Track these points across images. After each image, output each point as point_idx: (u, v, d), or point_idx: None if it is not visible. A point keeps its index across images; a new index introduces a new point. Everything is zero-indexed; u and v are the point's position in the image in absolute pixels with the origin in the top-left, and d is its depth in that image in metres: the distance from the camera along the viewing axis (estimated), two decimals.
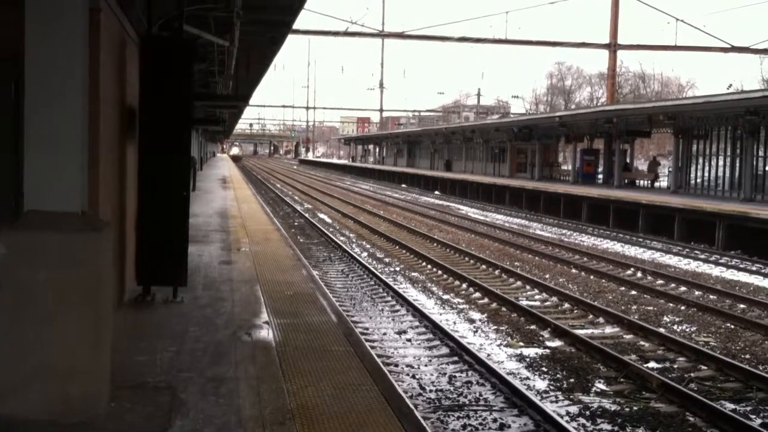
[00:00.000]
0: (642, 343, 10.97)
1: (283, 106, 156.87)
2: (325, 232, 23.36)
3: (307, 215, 29.15)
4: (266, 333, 7.55)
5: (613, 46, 49.29)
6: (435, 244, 21.28)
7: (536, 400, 8.04)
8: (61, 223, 5.09)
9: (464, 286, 14.87)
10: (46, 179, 5.16)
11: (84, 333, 5.05)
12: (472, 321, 12.16)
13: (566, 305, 13.37)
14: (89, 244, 5.14)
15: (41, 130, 5.15)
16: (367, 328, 11.28)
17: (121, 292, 8.57)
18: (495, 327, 11.76)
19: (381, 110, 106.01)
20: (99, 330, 5.14)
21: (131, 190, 9.20)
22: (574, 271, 17.29)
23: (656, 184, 40.27)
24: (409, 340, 10.85)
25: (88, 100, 5.52)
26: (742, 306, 13.67)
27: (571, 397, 8.54)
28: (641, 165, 53.90)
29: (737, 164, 29.81)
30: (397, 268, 17.16)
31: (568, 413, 7.95)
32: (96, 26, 6.71)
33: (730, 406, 8.33)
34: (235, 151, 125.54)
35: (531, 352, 10.37)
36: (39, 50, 5.13)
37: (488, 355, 10.09)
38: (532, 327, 11.64)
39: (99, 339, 5.14)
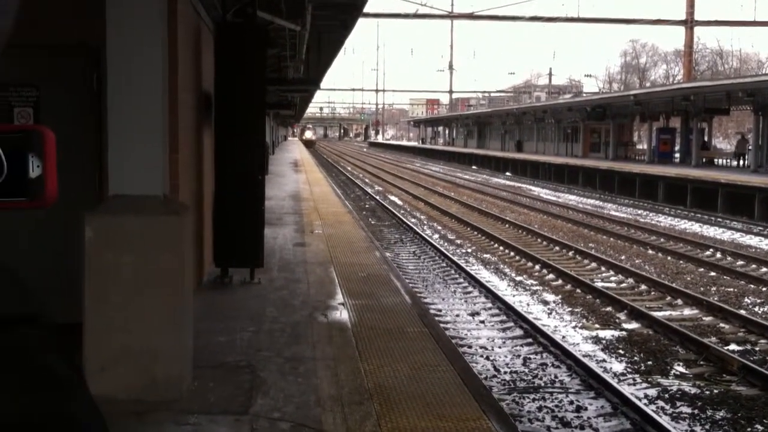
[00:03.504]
0: (722, 325, 10.73)
1: (353, 89, 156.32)
2: (396, 214, 23.42)
3: (377, 197, 29.26)
4: (342, 314, 7.64)
5: (689, 23, 48.10)
6: (507, 226, 21.14)
7: (613, 382, 7.95)
8: (144, 207, 5.22)
9: (537, 267, 14.75)
10: (129, 164, 5.31)
11: (167, 315, 5.18)
12: (545, 303, 12.07)
13: (643, 287, 13.15)
14: (171, 227, 5.26)
15: (123, 117, 5.30)
16: (440, 310, 11.30)
17: (200, 274, 8.77)
18: (569, 309, 11.65)
19: (450, 92, 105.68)
20: (181, 312, 5.27)
21: (208, 174, 9.38)
22: (650, 252, 16.98)
23: (741, 163, 38.78)
24: (482, 321, 10.83)
25: (167, 87, 5.64)
26: None
27: (649, 379, 8.41)
28: (719, 143, 52.48)
29: None
30: (469, 250, 17.11)
31: (646, 396, 7.84)
32: (173, 14, 6.83)
33: None
34: (308, 134, 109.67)
35: (607, 334, 10.25)
36: (119, 39, 5.26)
37: (563, 337, 10.01)
38: (608, 309, 11.49)
39: (181, 320, 5.26)
